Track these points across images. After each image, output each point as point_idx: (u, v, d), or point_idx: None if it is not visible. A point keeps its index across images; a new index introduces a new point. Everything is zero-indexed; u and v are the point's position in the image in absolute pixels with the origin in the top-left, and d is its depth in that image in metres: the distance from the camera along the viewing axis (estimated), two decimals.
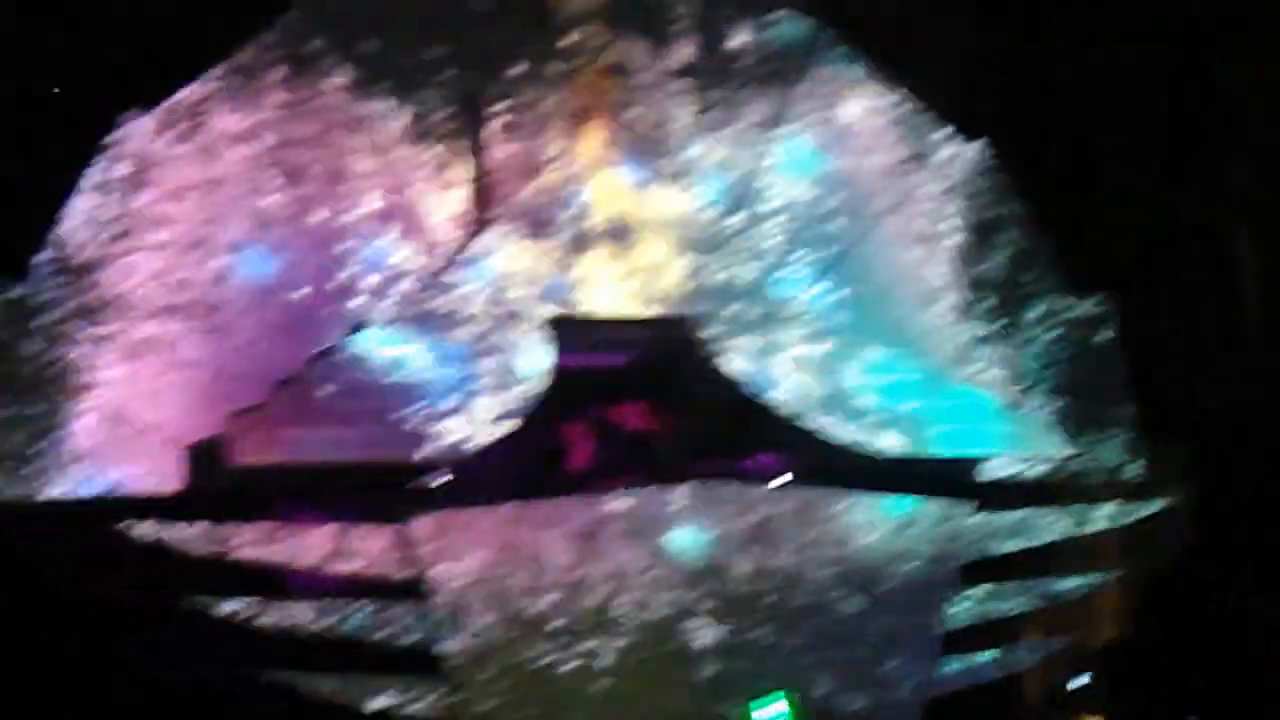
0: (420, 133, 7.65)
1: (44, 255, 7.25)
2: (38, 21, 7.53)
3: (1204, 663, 7.54)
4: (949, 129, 8.11)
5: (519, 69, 7.68)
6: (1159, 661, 7.63)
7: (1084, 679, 7.79)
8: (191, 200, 7.44)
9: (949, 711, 7.53)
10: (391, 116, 7.62)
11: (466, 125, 7.66)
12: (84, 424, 7.21)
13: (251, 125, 7.50)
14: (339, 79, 7.59)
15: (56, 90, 7.42)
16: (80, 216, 7.31)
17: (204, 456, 7.21)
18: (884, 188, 8.07)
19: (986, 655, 7.70)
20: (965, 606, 7.63)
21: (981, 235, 8.10)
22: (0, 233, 7.21)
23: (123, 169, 7.36)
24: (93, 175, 7.33)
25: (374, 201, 7.59)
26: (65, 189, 7.29)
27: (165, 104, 7.41)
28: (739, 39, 7.91)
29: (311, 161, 7.55)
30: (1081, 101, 8.00)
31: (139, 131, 7.39)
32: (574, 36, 7.75)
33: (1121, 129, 8.00)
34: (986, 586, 7.66)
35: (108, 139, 7.34)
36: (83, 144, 7.32)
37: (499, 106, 7.66)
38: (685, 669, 7.29)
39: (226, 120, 7.49)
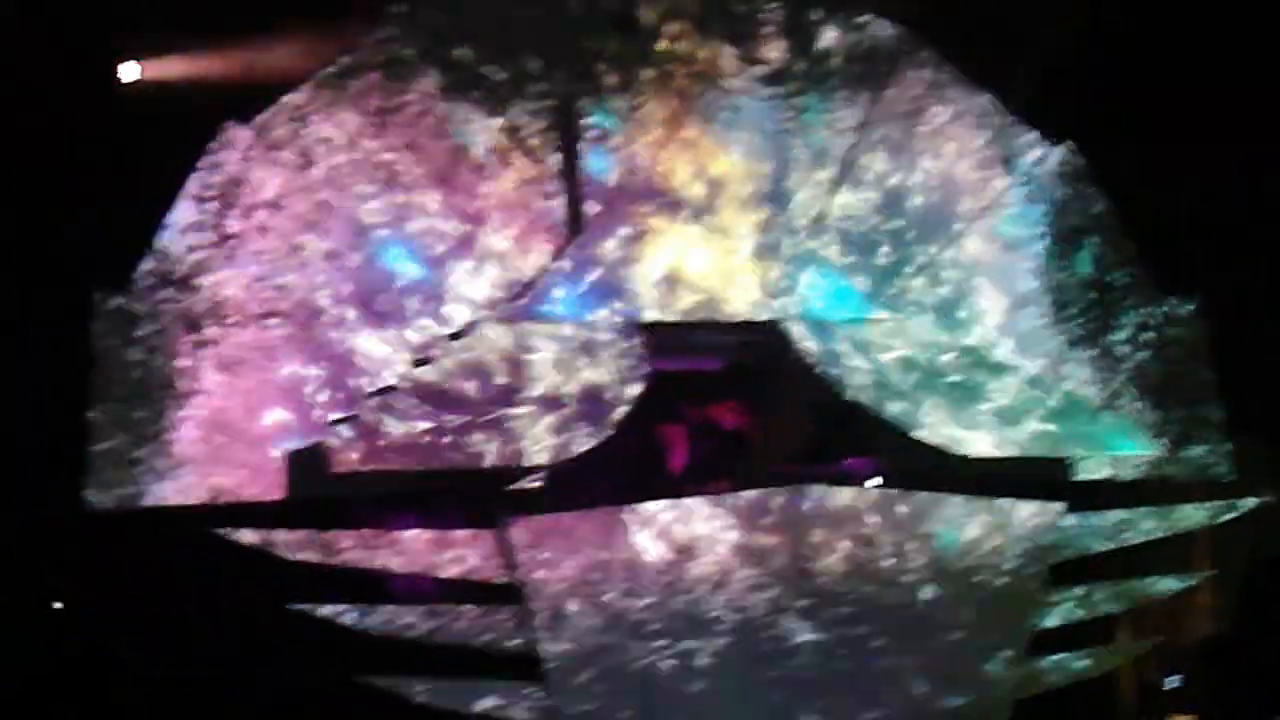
0: (513, 142, 7.71)
1: (146, 265, 7.32)
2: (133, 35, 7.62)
3: None
4: (1035, 132, 8.17)
5: (611, 78, 7.77)
6: (1252, 661, 7.69)
7: (1176, 679, 7.87)
8: (289, 207, 7.49)
9: (1042, 711, 7.59)
10: (483, 125, 7.70)
11: (560, 134, 7.73)
12: (186, 430, 7.27)
13: (347, 131, 7.55)
14: (430, 87, 7.64)
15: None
16: (180, 226, 7.37)
17: (304, 464, 7.28)
18: (972, 192, 8.11)
19: (1079, 655, 7.73)
20: (1058, 607, 7.67)
21: (1069, 238, 8.15)
22: (104, 245, 7.33)
23: (221, 177, 7.42)
24: (192, 185, 7.39)
25: (467, 210, 7.65)
26: (165, 201, 7.37)
27: (263, 113, 7.46)
28: (827, 42, 7.96)
29: (407, 168, 7.60)
30: (1168, 102, 8.04)
31: (237, 139, 7.45)
32: (664, 43, 7.82)
33: (1208, 129, 8.04)
34: (1079, 587, 7.70)
35: (207, 149, 7.40)
36: (182, 156, 7.41)
37: (591, 116, 7.74)
38: (782, 668, 7.35)
39: (323, 127, 7.54)
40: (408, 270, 7.60)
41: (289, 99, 7.51)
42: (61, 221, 7.40)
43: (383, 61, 7.59)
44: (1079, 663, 7.73)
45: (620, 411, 7.43)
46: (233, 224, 7.43)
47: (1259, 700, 7.42)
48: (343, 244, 7.53)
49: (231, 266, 7.42)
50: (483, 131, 7.69)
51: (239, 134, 7.44)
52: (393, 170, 7.58)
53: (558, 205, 7.72)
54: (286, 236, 7.49)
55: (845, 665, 7.39)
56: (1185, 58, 8.08)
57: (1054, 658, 7.67)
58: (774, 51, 7.87)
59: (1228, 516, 7.82)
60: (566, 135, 7.74)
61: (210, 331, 7.37)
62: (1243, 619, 7.85)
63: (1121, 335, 8.16)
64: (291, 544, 7.08)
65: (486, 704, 7.27)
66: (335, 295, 7.50)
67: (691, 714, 7.31)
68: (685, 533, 7.34)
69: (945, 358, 7.84)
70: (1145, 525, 7.77)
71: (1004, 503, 7.55)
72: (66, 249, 7.39)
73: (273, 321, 7.43)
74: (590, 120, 7.74)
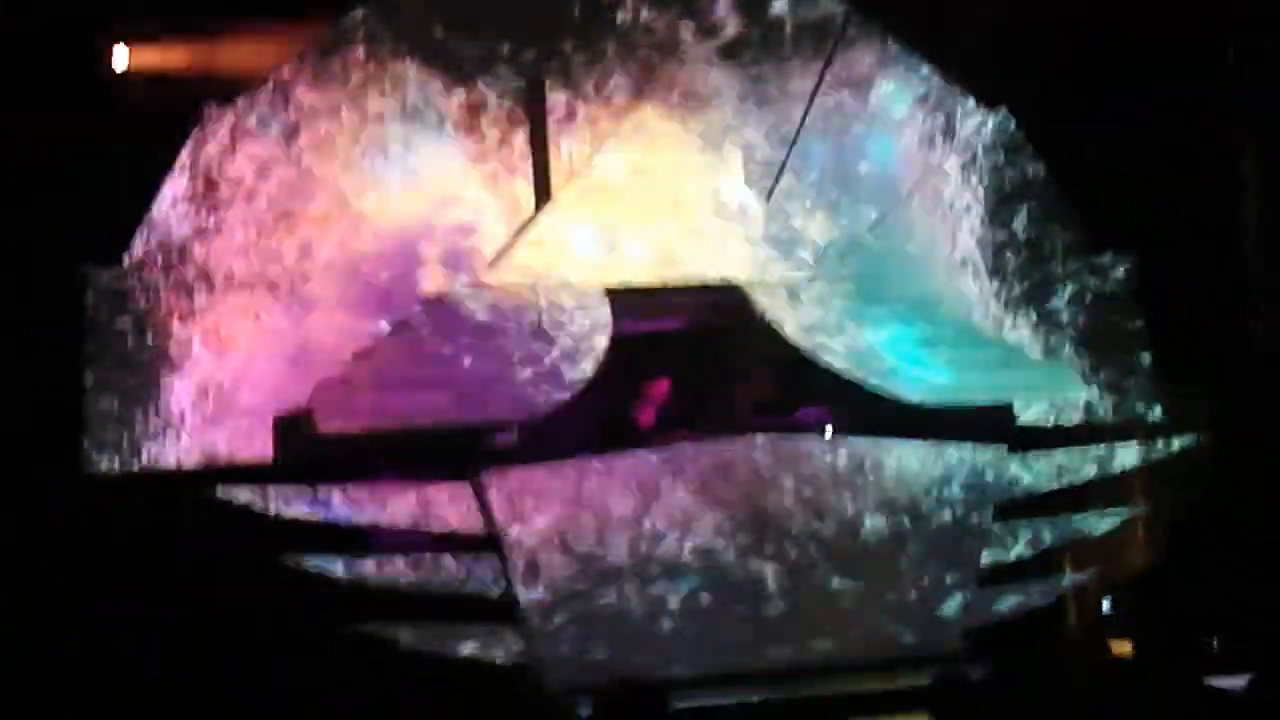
0: (484, 116, 8.08)
1: (139, 236, 7.61)
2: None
3: (1227, 590, 8.04)
4: (972, 100, 8.64)
5: (576, 51, 8.13)
6: (1185, 590, 8.14)
7: (1111, 606, 8.32)
8: (276, 174, 7.80)
9: (987, 642, 7.91)
10: (456, 99, 8.05)
11: (528, 108, 8.09)
12: (179, 395, 7.59)
13: (333, 101, 7.88)
14: (409, 61, 7.99)
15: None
16: (171, 196, 7.66)
17: (292, 425, 7.59)
18: (914, 160, 8.60)
19: (1024, 588, 8.13)
20: (1004, 543, 8.08)
21: (1006, 200, 8.64)
22: (96, 225, 7.61)
23: (211, 148, 7.73)
24: (183, 156, 7.67)
25: (445, 179, 8.01)
26: (156, 176, 7.65)
27: (249, 88, 7.77)
28: (777, 12, 8.36)
29: (388, 138, 7.95)
30: (1098, 68, 8.51)
31: (224, 113, 7.75)
32: (624, 15, 8.18)
33: (1136, 93, 8.53)
34: (1023, 524, 8.12)
35: (195, 122, 7.69)
36: (171, 131, 7.69)
37: (558, 91, 8.11)
38: (750, 609, 7.72)
39: (309, 96, 7.87)
40: (389, 236, 7.94)
41: (274, 75, 7.83)
42: (54, 197, 7.64)
43: (363, 37, 7.92)
44: (1024, 595, 8.13)
45: (588, 371, 7.77)
46: (222, 194, 7.73)
47: (1191, 625, 7.86)
48: (327, 209, 7.84)
49: (221, 232, 7.71)
50: (456, 105, 8.05)
51: (226, 108, 7.75)
52: (374, 138, 7.92)
53: (526, 176, 8.11)
54: (273, 201, 7.78)
55: (806, 604, 7.77)
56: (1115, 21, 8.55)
57: (1001, 591, 8.08)
58: (730, 23, 8.27)
59: (1160, 456, 8.32)
60: (534, 109, 8.10)
61: (200, 299, 7.68)
62: (1175, 550, 8.31)
63: (1059, 291, 8.68)
64: (280, 503, 7.33)
65: (467, 649, 7.51)
66: (321, 259, 7.82)
67: (662, 654, 7.62)
68: (653, 482, 7.70)
69: (892, 312, 8.30)
70: (1084, 466, 8.25)
71: (951, 446, 7.99)
72: (60, 223, 7.61)
73: (261, 286, 7.72)
74: (558, 95, 8.12)
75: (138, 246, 7.61)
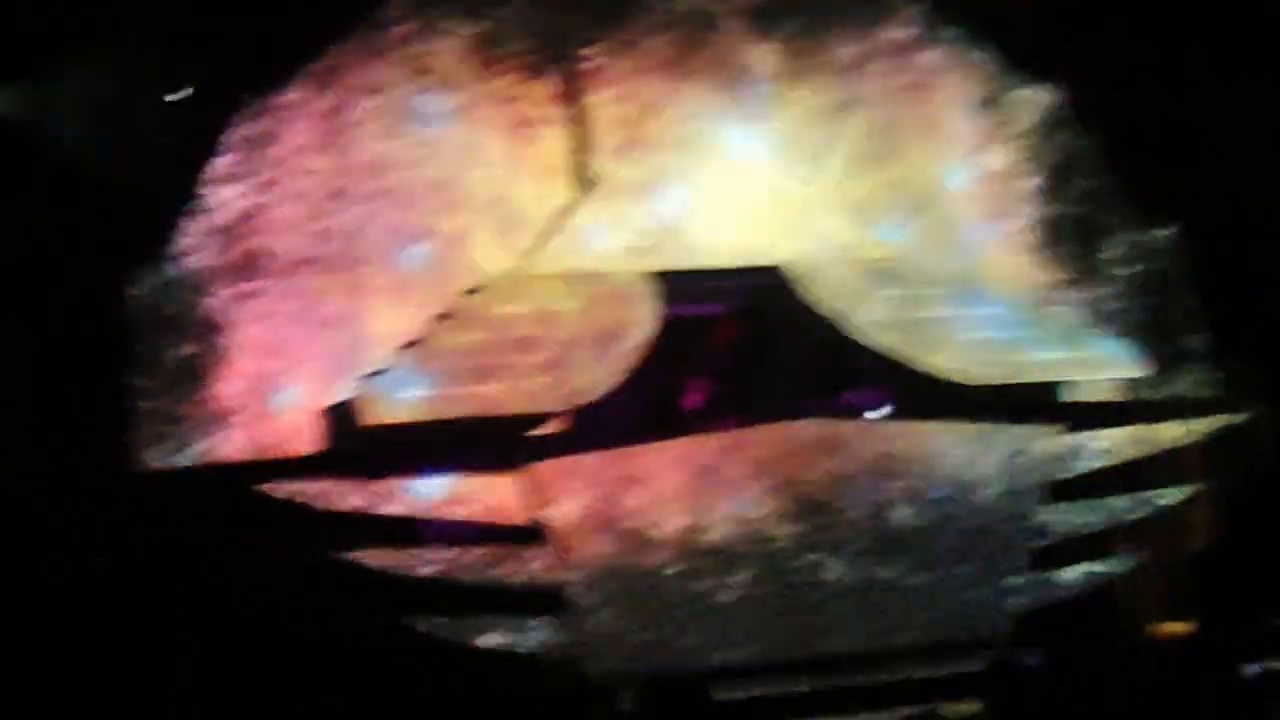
0: (525, 95, 7.92)
1: (189, 220, 7.52)
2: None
3: None
4: (1020, 74, 8.46)
5: (613, 26, 7.99)
6: (1246, 569, 8.01)
7: (1169, 587, 8.21)
8: (328, 151, 7.69)
9: (1043, 626, 7.86)
10: (498, 78, 7.92)
11: (565, 86, 7.95)
12: (227, 387, 7.52)
13: (381, 77, 7.76)
14: (458, 37, 7.88)
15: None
16: (222, 176, 7.57)
17: (338, 418, 7.57)
18: (960, 133, 8.43)
19: (1078, 569, 8.03)
20: (1057, 523, 7.98)
21: (1056, 175, 8.47)
22: (143, 218, 7.61)
23: (261, 125, 7.63)
24: (233, 135, 7.57)
25: (485, 161, 7.88)
26: (204, 160, 7.55)
27: (302, 67, 7.67)
28: None
29: (437, 113, 7.83)
30: (1151, 36, 8.34)
31: (270, 95, 7.65)
32: None
33: (1189, 61, 8.35)
34: (1076, 504, 8.01)
35: (244, 101, 7.59)
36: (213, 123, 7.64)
37: (595, 67, 7.97)
38: (803, 600, 7.66)
39: (359, 73, 7.75)
40: (432, 216, 7.82)
41: (327, 54, 7.72)
42: (101, 190, 7.65)
43: (414, 12, 7.82)
44: (1079, 578, 8.03)
45: (633, 355, 7.72)
46: (272, 168, 7.62)
47: (1255, 606, 7.74)
48: (376, 187, 7.74)
49: (272, 211, 7.61)
50: (495, 84, 7.92)
51: (268, 95, 7.65)
52: (424, 112, 7.81)
53: (565, 157, 7.97)
54: (325, 178, 7.67)
55: (856, 590, 7.69)
56: None
57: (1054, 572, 7.98)
58: None
59: (1216, 433, 8.16)
60: (571, 86, 7.95)
61: (253, 280, 7.59)
62: (1235, 529, 8.18)
63: (1111, 267, 8.50)
64: (328, 495, 7.32)
65: (511, 639, 7.47)
66: (370, 241, 7.71)
67: (707, 646, 7.58)
68: (702, 470, 7.63)
69: (940, 292, 8.17)
70: (1138, 444, 8.11)
71: (1001, 427, 7.88)
72: (107, 217, 7.62)
73: (313, 267, 7.62)
74: (594, 72, 7.99)
75: (184, 239, 7.54)
